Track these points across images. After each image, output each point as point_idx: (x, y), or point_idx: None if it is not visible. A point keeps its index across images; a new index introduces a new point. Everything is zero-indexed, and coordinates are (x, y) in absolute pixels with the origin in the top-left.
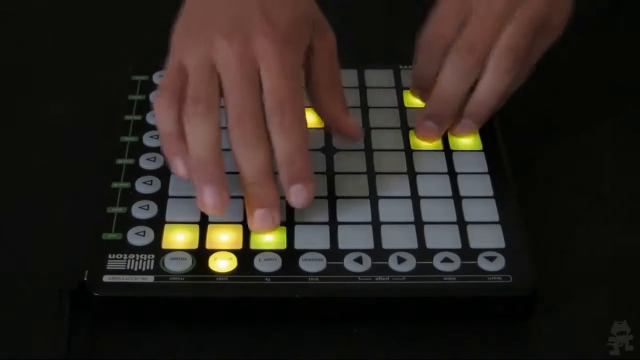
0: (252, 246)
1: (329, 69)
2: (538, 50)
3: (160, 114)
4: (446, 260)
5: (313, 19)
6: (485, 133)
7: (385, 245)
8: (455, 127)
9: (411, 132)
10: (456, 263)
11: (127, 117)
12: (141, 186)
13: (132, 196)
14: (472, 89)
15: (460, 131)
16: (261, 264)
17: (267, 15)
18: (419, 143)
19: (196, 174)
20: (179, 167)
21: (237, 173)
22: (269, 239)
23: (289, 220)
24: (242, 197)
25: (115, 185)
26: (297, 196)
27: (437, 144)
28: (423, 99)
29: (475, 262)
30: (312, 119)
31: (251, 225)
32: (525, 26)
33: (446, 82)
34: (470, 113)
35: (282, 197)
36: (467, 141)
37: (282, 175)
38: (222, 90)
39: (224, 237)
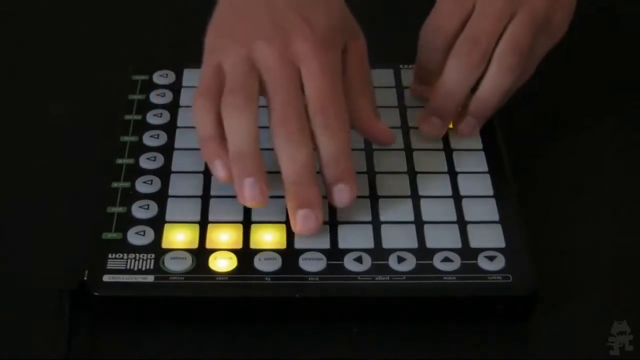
0: (252, 246)
1: (360, 71)
2: (541, 48)
3: (199, 116)
4: (446, 259)
5: (347, 21)
6: (485, 133)
7: (386, 244)
8: (459, 125)
9: (411, 132)
10: (456, 262)
11: (127, 117)
12: (141, 186)
13: (132, 196)
14: (475, 86)
15: (464, 129)
16: (261, 264)
17: (306, 19)
18: (419, 142)
19: (235, 167)
20: (219, 170)
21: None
22: (269, 239)
23: (289, 220)
24: (234, 197)
25: (115, 184)
26: (340, 196)
27: (437, 143)
28: (424, 95)
29: (475, 261)
30: None
31: (294, 225)
32: (528, 23)
33: (450, 78)
34: (473, 111)
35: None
36: (467, 140)
37: (326, 175)
38: (261, 89)
39: (224, 236)
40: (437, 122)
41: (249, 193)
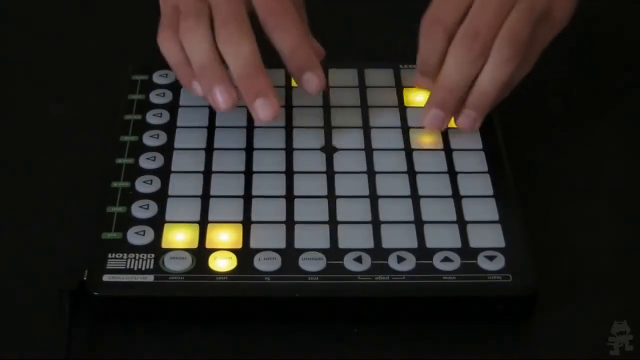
0: (252, 245)
1: None
2: (541, 41)
3: (165, 47)
4: (446, 259)
5: None
6: (485, 133)
7: (385, 244)
8: (459, 118)
9: (411, 131)
10: (456, 262)
11: (127, 117)
12: (141, 185)
13: (132, 195)
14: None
15: (464, 123)
16: (261, 263)
17: None
18: (419, 142)
19: (203, 80)
20: (197, 88)
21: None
22: (269, 238)
23: (289, 219)
24: (241, 197)
25: (115, 184)
26: (309, 83)
27: (437, 143)
28: (424, 86)
29: (475, 261)
30: None
31: (256, 117)
32: (527, 14)
33: (451, 70)
34: (472, 103)
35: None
36: (467, 141)
37: (291, 70)
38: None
39: (223, 236)
40: (439, 114)
41: (221, 99)
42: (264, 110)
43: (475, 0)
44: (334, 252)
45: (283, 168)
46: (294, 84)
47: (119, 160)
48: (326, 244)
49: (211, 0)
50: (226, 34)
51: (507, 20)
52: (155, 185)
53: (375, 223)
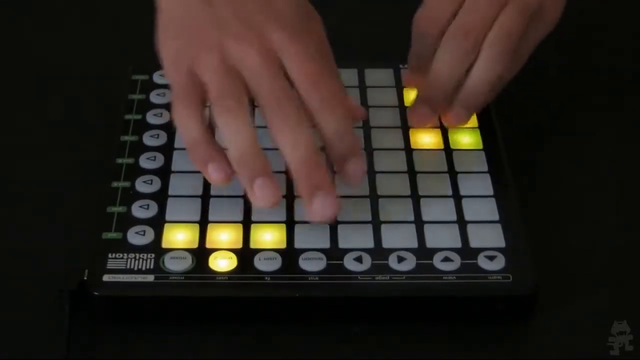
0: (252, 245)
1: (326, 54)
2: (532, 39)
3: (182, 122)
4: (446, 259)
5: (307, 6)
6: (485, 132)
7: (386, 244)
8: (448, 115)
9: (411, 131)
10: (456, 262)
11: (127, 117)
12: (141, 185)
13: (132, 195)
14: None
15: (453, 119)
16: (261, 263)
17: (272, 8)
18: (419, 142)
19: (244, 170)
20: (213, 173)
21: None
22: (269, 238)
23: (289, 219)
24: (241, 197)
25: (115, 184)
26: (354, 171)
27: (437, 143)
28: (419, 84)
29: (475, 261)
30: None
31: (313, 216)
32: (519, 12)
33: (441, 67)
34: (462, 100)
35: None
36: (467, 140)
37: (334, 153)
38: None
39: (224, 236)
40: (426, 110)
41: (261, 194)
42: (323, 207)
43: None
44: (334, 252)
45: (283, 168)
46: None
47: (119, 160)
48: (326, 244)
49: (253, 80)
50: (282, 120)
51: (499, 17)
52: (156, 185)
53: (376, 223)
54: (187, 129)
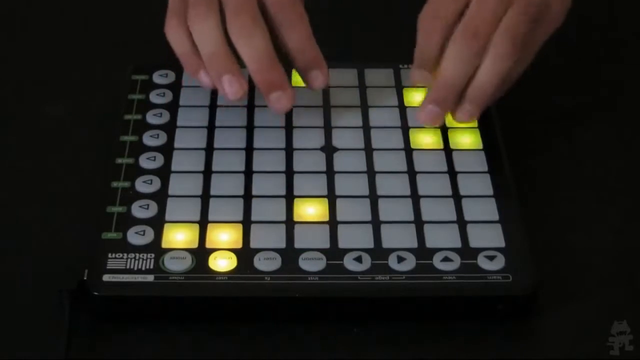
0: (252, 245)
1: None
2: (539, 37)
3: (172, 36)
4: (446, 259)
5: None
6: (485, 132)
7: (385, 244)
8: (456, 112)
9: (411, 131)
10: (456, 262)
11: (127, 117)
12: (141, 185)
13: (132, 195)
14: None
15: (461, 117)
16: (261, 263)
17: None
18: (419, 142)
19: (212, 69)
20: (204, 78)
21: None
22: (269, 238)
23: (289, 219)
24: (241, 197)
25: (115, 184)
26: (315, 80)
27: (437, 143)
28: (422, 80)
29: (475, 261)
30: None
31: (272, 108)
32: (525, 11)
33: (450, 66)
34: (470, 98)
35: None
36: (467, 140)
37: (298, 65)
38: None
39: (223, 236)
40: (435, 110)
41: (229, 89)
42: (280, 102)
43: None
44: (334, 252)
45: (283, 168)
46: (294, 83)
47: (119, 160)
48: (326, 244)
49: None
50: (239, 24)
51: (506, 16)
52: (155, 185)
53: (375, 223)
54: (176, 41)
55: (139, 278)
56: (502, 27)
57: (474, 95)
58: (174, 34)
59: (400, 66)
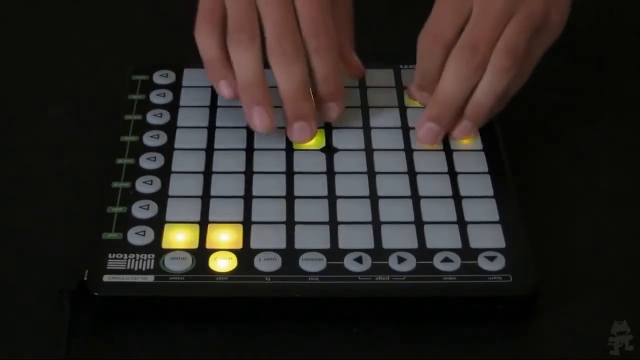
0: (252, 246)
1: (343, 9)
2: (538, 50)
3: (203, 41)
4: (446, 260)
5: None
6: (485, 133)
7: (386, 245)
8: (454, 130)
9: (411, 132)
10: (456, 263)
11: (127, 117)
12: (141, 186)
13: (132, 196)
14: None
15: (460, 133)
16: (261, 264)
17: None
18: (419, 143)
19: (245, 97)
20: (224, 90)
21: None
22: (269, 238)
23: (289, 220)
24: (241, 197)
25: (115, 184)
26: (331, 111)
27: (437, 144)
28: (421, 100)
29: (475, 261)
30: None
31: (291, 136)
32: (524, 25)
33: (448, 85)
34: (469, 114)
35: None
36: (467, 141)
37: (318, 93)
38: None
39: (224, 236)
40: (434, 127)
41: (259, 121)
42: (303, 133)
43: (473, 12)
44: (334, 253)
45: (283, 168)
46: None
47: (119, 161)
48: (326, 245)
49: (264, 10)
50: (280, 52)
51: (505, 32)
52: (156, 185)
53: (376, 223)
54: (206, 47)
55: (139, 278)
56: (502, 43)
57: (472, 112)
58: (203, 40)
59: (400, 66)
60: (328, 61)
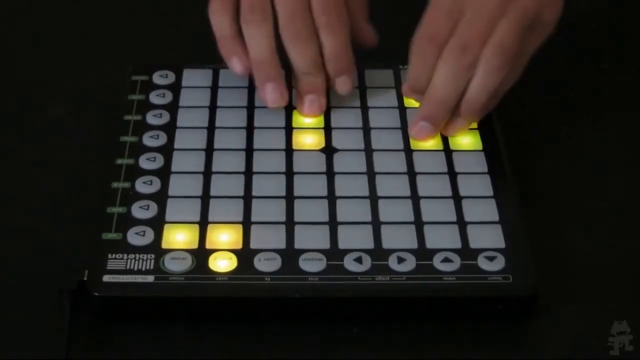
0: (252, 246)
1: None
2: (530, 48)
3: (216, 18)
4: (446, 260)
5: None
6: (485, 133)
7: (385, 245)
8: (448, 127)
9: None
10: (456, 263)
11: (127, 117)
12: (141, 186)
13: (132, 196)
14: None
15: (452, 131)
16: (261, 264)
17: None
18: (419, 143)
19: (258, 73)
20: (236, 65)
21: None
22: (269, 239)
23: (289, 220)
24: (241, 197)
25: (115, 185)
26: (343, 85)
27: (437, 144)
28: (416, 99)
29: (475, 262)
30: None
31: (301, 109)
32: (517, 24)
33: (440, 84)
34: (462, 112)
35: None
36: (467, 141)
37: (330, 68)
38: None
39: (224, 236)
40: (426, 126)
41: (271, 96)
42: (312, 106)
43: (466, 12)
44: (334, 253)
45: (283, 169)
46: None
47: (119, 161)
48: (326, 245)
49: None
50: (292, 31)
51: (496, 30)
52: (155, 185)
53: (375, 224)
54: (219, 24)
55: (139, 279)
56: (494, 41)
57: (465, 109)
58: (217, 18)
59: (400, 66)
60: (338, 37)
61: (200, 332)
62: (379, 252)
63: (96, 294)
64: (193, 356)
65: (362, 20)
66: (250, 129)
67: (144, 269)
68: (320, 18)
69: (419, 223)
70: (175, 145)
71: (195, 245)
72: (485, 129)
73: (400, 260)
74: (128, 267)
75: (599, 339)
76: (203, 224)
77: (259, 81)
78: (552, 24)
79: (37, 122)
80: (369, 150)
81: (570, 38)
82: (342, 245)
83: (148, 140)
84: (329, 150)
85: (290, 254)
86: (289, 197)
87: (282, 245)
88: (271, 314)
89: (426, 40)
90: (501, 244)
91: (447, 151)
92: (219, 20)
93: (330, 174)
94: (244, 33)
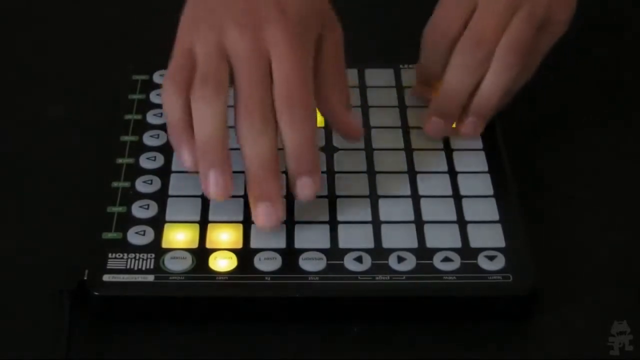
0: (252, 245)
1: (334, 63)
2: (543, 46)
3: (168, 101)
4: (446, 259)
5: (323, 11)
6: (485, 133)
7: (386, 244)
8: (461, 126)
9: (411, 131)
10: (456, 262)
11: (127, 117)
12: (141, 185)
13: (132, 195)
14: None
15: (466, 130)
16: (261, 263)
17: (279, 4)
18: (419, 142)
19: (202, 157)
20: (185, 157)
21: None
22: (269, 238)
23: (289, 219)
24: (242, 197)
25: (115, 184)
26: (303, 189)
27: (437, 143)
28: (425, 96)
29: (475, 261)
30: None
31: (255, 219)
32: (530, 20)
33: (453, 78)
34: (474, 110)
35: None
36: (467, 140)
37: (290, 168)
38: (232, 78)
39: (224, 236)
40: (440, 121)
41: (214, 189)
42: (267, 216)
43: (478, 7)
44: (334, 252)
45: (283, 168)
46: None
47: (119, 160)
48: (326, 244)
49: (236, 70)
50: (248, 124)
51: (510, 26)
52: (156, 185)
53: (376, 223)
54: (171, 108)
55: (139, 278)
56: (507, 38)
57: (478, 107)
58: (170, 101)
59: (400, 66)
60: (301, 132)
61: (200, 332)
62: (379, 252)
63: (96, 293)
64: (193, 356)
65: (338, 105)
66: None
67: (144, 268)
68: (283, 110)
69: (419, 222)
70: None
71: (195, 245)
72: (485, 129)
73: (401, 259)
74: (128, 267)
75: (599, 339)
76: (203, 224)
77: (202, 167)
78: (564, 23)
79: (37, 122)
80: (369, 150)
81: (572, 37)
82: (342, 244)
83: (148, 139)
84: (329, 149)
85: (290, 254)
86: (289, 197)
87: (282, 244)
88: (271, 314)
89: (439, 33)
90: (501, 243)
91: (448, 150)
92: (171, 104)
93: (330, 173)
94: (192, 108)
